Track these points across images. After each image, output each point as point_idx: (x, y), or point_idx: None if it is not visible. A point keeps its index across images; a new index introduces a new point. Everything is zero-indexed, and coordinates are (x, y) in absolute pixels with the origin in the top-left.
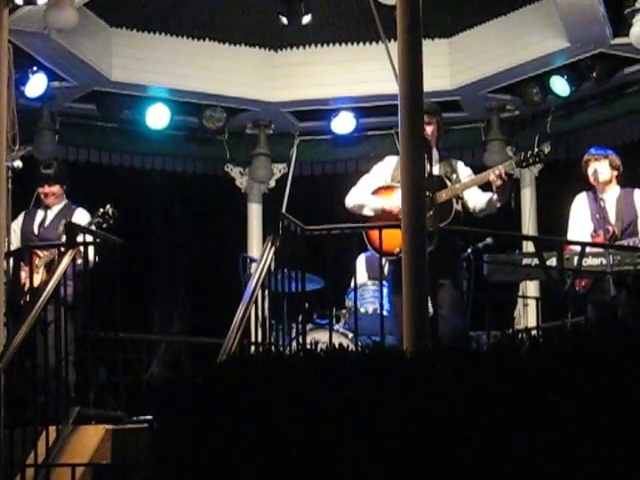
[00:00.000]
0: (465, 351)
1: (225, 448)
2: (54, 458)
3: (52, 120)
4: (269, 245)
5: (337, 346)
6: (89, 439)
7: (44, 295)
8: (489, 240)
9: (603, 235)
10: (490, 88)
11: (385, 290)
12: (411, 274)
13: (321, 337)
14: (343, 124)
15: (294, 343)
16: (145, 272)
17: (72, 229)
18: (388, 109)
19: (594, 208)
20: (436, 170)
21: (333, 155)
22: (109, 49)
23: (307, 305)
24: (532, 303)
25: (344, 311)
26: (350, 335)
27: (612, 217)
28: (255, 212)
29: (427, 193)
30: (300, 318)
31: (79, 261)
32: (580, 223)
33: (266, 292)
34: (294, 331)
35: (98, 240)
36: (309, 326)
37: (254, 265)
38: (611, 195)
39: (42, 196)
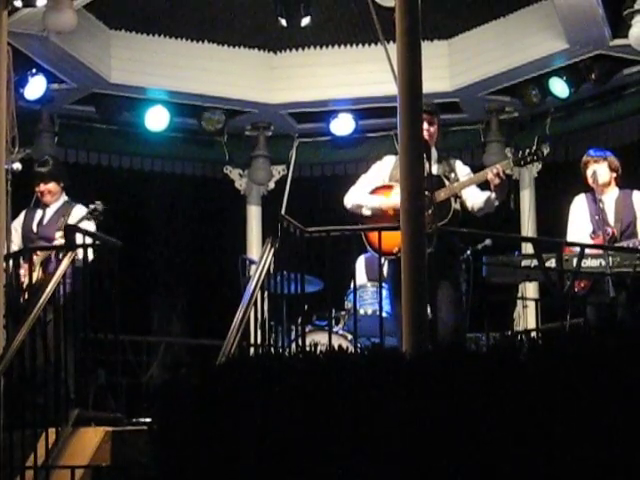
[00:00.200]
0: (464, 352)
1: (224, 450)
2: (54, 460)
3: (51, 122)
4: (268, 247)
5: (336, 348)
6: (89, 441)
7: (43, 297)
8: (488, 241)
9: (602, 236)
10: (489, 89)
11: (385, 292)
12: (410, 275)
13: (320, 339)
14: (342, 126)
15: (293, 345)
16: (144, 274)
17: (71, 231)
18: (387, 111)
19: (593, 209)
20: (435, 169)
21: (332, 157)
22: (108, 51)
23: (306, 307)
24: (531, 304)
25: (343, 313)
26: (349, 337)
27: (611, 218)
28: (254, 214)
29: (426, 192)
30: (299, 320)
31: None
32: (579, 225)
33: (265, 294)
34: (293, 333)
35: (97, 242)
36: (308, 328)
37: (253, 267)
38: (610, 196)
39: (39, 195)
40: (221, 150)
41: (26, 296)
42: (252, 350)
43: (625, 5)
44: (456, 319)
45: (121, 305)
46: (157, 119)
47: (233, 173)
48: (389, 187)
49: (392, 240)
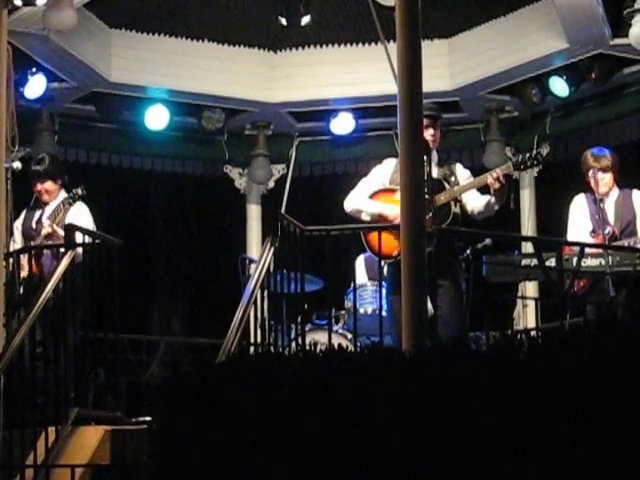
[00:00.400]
0: (464, 352)
1: (224, 449)
2: (53, 459)
3: (51, 121)
4: (268, 246)
5: (336, 347)
6: (88, 440)
7: (43, 295)
8: (488, 241)
9: (602, 235)
10: (489, 89)
11: (384, 291)
12: (410, 275)
13: (320, 338)
14: (342, 125)
15: (293, 344)
16: (144, 273)
17: (71, 230)
18: (387, 110)
19: (593, 209)
20: (435, 173)
21: (332, 156)
22: (108, 50)
23: (306, 306)
24: (531, 304)
25: (343, 312)
26: (349, 336)
27: (611, 218)
28: (254, 213)
29: (426, 196)
30: (299, 319)
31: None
32: (579, 224)
33: (265, 293)
34: (293, 332)
35: (97, 241)
36: (308, 327)
37: (253, 266)
38: (610, 196)
39: (37, 194)
40: (221, 149)
41: (21, 291)
42: (252, 349)
43: (625, 4)
44: (456, 318)
45: (121, 304)
46: (157, 118)
47: (233, 172)
48: (389, 191)
49: (392, 244)
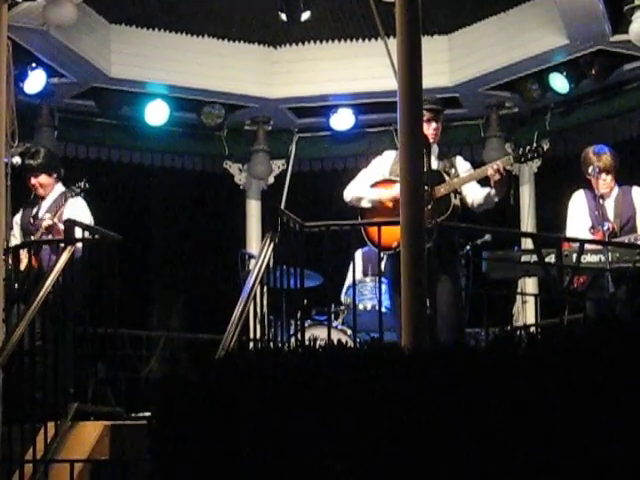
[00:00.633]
0: (463, 347)
1: (224, 444)
2: (53, 454)
3: (51, 116)
4: (268, 241)
5: (336, 342)
6: (88, 435)
7: (43, 291)
8: (488, 237)
9: (602, 232)
10: (489, 85)
11: (384, 286)
12: (410, 270)
13: (319, 333)
14: (342, 120)
15: (293, 339)
16: (144, 268)
17: (70, 225)
18: (387, 106)
19: (592, 205)
20: (435, 166)
21: (332, 151)
22: (108, 45)
23: (306, 301)
24: (531, 300)
25: (342, 307)
26: (349, 331)
27: (611, 214)
28: (254, 208)
29: (425, 188)
30: (299, 314)
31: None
32: (578, 220)
33: (265, 288)
34: (293, 327)
35: (97, 236)
36: (308, 322)
37: (253, 261)
38: (610, 194)
39: (32, 188)
40: (221, 144)
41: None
42: (251, 344)
43: (625, 1)
44: (455, 314)
45: (120, 299)
46: (157, 113)
47: (233, 168)
48: (389, 182)
49: (391, 235)
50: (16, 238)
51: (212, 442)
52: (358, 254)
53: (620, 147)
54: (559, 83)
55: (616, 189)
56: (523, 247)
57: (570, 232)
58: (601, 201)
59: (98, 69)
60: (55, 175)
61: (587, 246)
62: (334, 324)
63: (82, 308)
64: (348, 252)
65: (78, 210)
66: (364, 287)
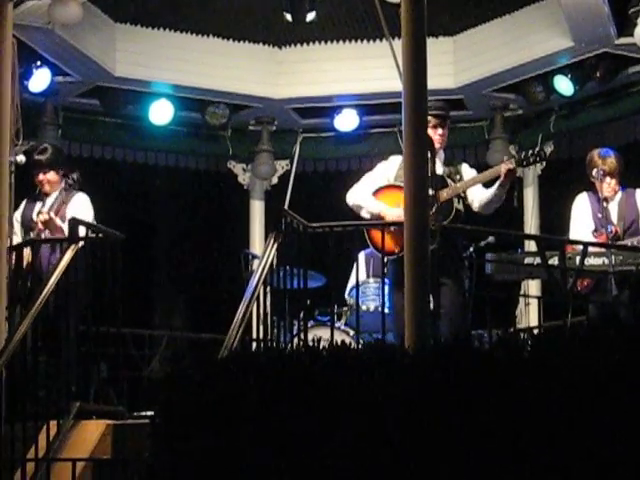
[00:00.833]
0: (466, 349)
1: (225, 443)
2: (55, 453)
3: (55, 115)
4: (271, 242)
5: (339, 343)
6: (90, 434)
7: (46, 289)
8: (491, 239)
9: (605, 235)
10: (494, 87)
11: (386, 288)
12: (413, 273)
13: (322, 334)
14: (346, 121)
15: (295, 340)
16: (147, 267)
17: (74, 224)
18: (392, 107)
19: (596, 208)
20: (441, 171)
21: (336, 152)
22: (113, 44)
23: (309, 302)
24: (534, 302)
25: (345, 308)
26: (351, 332)
27: (614, 217)
28: (257, 209)
29: (429, 192)
30: (302, 315)
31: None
32: (582, 223)
33: (268, 289)
34: (295, 328)
35: (100, 235)
36: (310, 323)
37: (256, 262)
38: (613, 195)
39: (38, 184)
40: (225, 144)
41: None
42: (254, 345)
43: (630, 4)
44: (459, 316)
45: (123, 298)
46: (161, 113)
47: (237, 167)
48: (393, 187)
49: (394, 240)
50: (17, 235)
51: (214, 441)
52: (361, 255)
53: (624, 150)
54: (564, 85)
55: (620, 192)
56: (527, 249)
57: (573, 235)
58: (605, 204)
59: (103, 68)
60: (62, 173)
61: (590, 249)
62: (337, 325)
63: (85, 307)
64: (351, 253)
65: (81, 206)
66: (367, 288)
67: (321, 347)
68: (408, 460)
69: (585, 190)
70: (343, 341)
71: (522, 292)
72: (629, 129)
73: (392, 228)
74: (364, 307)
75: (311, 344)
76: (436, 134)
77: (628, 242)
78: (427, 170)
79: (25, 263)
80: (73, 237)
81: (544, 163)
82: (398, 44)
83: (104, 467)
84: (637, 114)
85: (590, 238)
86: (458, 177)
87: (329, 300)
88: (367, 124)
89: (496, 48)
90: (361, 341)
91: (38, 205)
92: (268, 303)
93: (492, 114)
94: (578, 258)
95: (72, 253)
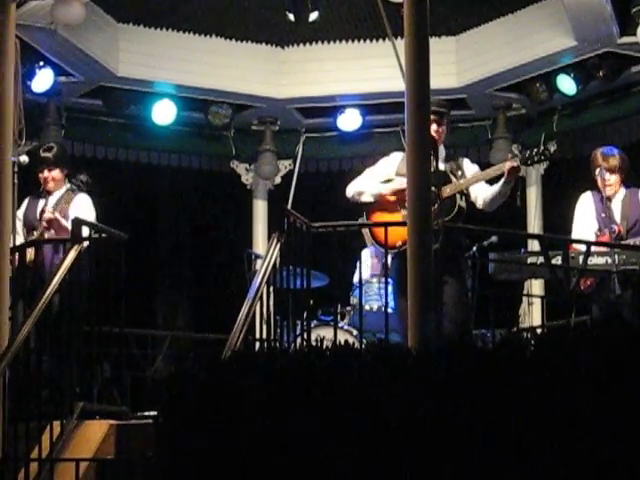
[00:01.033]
0: (470, 349)
1: (229, 443)
2: (58, 453)
3: (58, 115)
4: (274, 242)
5: (342, 343)
6: (93, 434)
7: (49, 289)
8: (494, 238)
9: (608, 234)
10: (497, 86)
11: (390, 287)
12: (416, 272)
13: (326, 334)
14: (349, 121)
15: (299, 340)
16: (150, 267)
17: (78, 224)
18: (394, 106)
19: (599, 207)
20: (442, 167)
21: (339, 152)
22: (116, 44)
23: (312, 302)
24: (537, 302)
25: (349, 308)
26: (355, 332)
27: (617, 216)
28: (260, 208)
29: (432, 189)
30: (305, 315)
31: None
32: (585, 222)
33: (271, 289)
34: (299, 328)
35: (103, 235)
36: (314, 323)
37: (259, 261)
38: (617, 195)
39: (42, 181)
40: (228, 144)
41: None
42: (257, 345)
43: (633, 3)
44: (462, 315)
45: (126, 298)
46: (164, 113)
47: (240, 167)
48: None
49: (396, 234)
50: (19, 234)
51: (217, 441)
52: (365, 253)
53: (628, 149)
54: (567, 85)
55: (623, 191)
56: (530, 249)
57: (577, 234)
58: (608, 203)
59: (106, 68)
60: (66, 172)
61: (594, 248)
62: (340, 325)
63: (88, 307)
64: (355, 253)
65: (83, 207)
66: (370, 288)
67: (324, 347)
68: (411, 460)
69: (589, 189)
70: (346, 341)
71: (525, 292)
72: (632, 128)
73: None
74: (367, 307)
75: (314, 344)
76: (431, 130)
77: (631, 241)
78: (430, 168)
79: (28, 263)
80: (76, 237)
81: (547, 162)
82: (401, 44)
83: (107, 467)
84: None
85: (593, 238)
86: (460, 173)
87: (332, 300)
88: (370, 124)
89: (499, 47)
90: (364, 341)
91: (41, 204)
92: (271, 303)
93: (495, 113)
94: (581, 257)
95: (75, 253)
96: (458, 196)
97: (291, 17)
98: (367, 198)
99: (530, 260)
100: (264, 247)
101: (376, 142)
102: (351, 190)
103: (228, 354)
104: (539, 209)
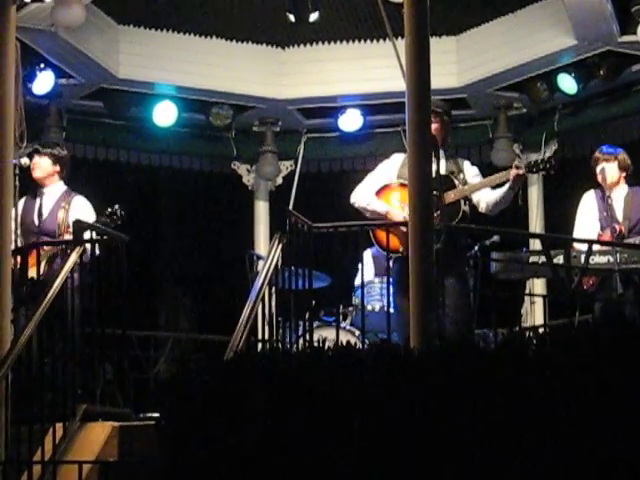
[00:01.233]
0: (472, 349)
1: (231, 444)
2: (61, 455)
3: (59, 117)
4: (276, 242)
5: (344, 344)
6: (96, 436)
7: (51, 292)
8: (496, 238)
9: (610, 233)
10: (497, 86)
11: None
12: (418, 272)
13: (328, 335)
14: (350, 121)
15: (301, 340)
16: (152, 269)
17: (79, 226)
18: (395, 106)
19: (601, 206)
20: (443, 164)
21: (340, 152)
22: (116, 46)
23: (314, 302)
24: (539, 301)
25: (351, 308)
26: (357, 332)
27: (619, 215)
28: (262, 209)
29: (435, 193)
30: (307, 316)
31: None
32: (587, 221)
33: (273, 289)
34: (301, 328)
35: (105, 237)
36: (316, 324)
37: (261, 262)
38: (619, 193)
39: (31, 169)
40: (229, 145)
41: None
42: (260, 345)
43: (633, 1)
44: (464, 315)
45: (129, 300)
46: (165, 114)
47: (241, 168)
48: (396, 186)
49: (399, 241)
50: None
51: (220, 442)
52: (367, 254)
53: (629, 148)
54: (567, 84)
55: (626, 188)
56: (531, 248)
57: (579, 233)
58: (610, 201)
59: (106, 70)
60: (59, 168)
61: (595, 247)
62: (342, 325)
63: (90, 309)
64: (356, 253)
65: (82, 209)
66: (372, 288)
67: (326, 347)
68: (413, 460)
69: (591, 188)
70: (348, 341)
71: (527, 291)
72: (633, 127)
73: (401, 228)
74: (369, 307)
75: (316, 345)
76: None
77: (632, 240)
78: (431, 170)
79: (30, 266)
80: (78, 239)
81: (553, 172)
82: (401, 44)
83: (110, 469)
84: None
85: (595, 237)
86: (462, 176)
87: (334, 300)
88: (371, 124)
89: (499, 47)
90: (366, 341)
91: (37, 205)
92: (273, 304)
93: (496, 113)
94: (583, 256)
95: (77, 255)
96: (462, 201)
97: (291, 18)
98: (371, 216)
99: (532, 259)
100: (266, 248)
101: (377, 142)
102: (355, 201)
103: (230, 355)
104: (541, 208)
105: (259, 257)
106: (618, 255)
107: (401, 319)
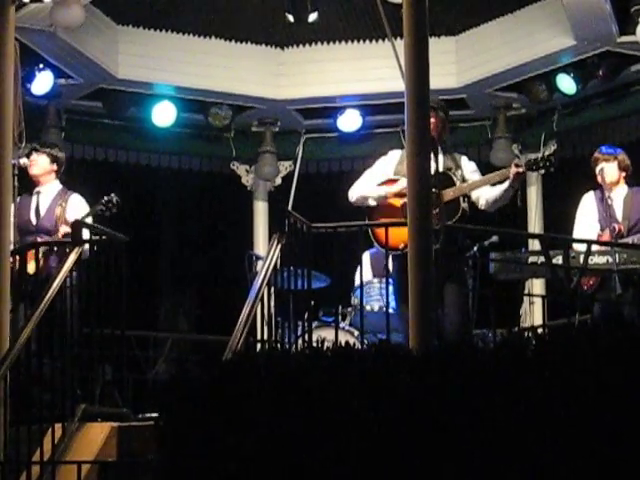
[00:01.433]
0: (470, 349)
1: (230, 445)
2: (60, 455)
3: (58, 117)
4: (275, 243)
5: (343, 344)
6: (95, 436)
7: (50, 292)
8: (495, 238)
9: (609, 233)
10: (496, 86)
11: (391, 287)
12: (417, 272)
13: (327, 335)
14: (349, 122)
15: (300, 341)
16: (151, 269)
17: (78, 226)
18: (394, 107)
19: (601, 206)
20: (441, 160)
21: (339, 153)
22: (115, 46)
23: (313, 303)
24: (538, 301)
25: (350, 309)
26: (356, 333)
27: (619, 215)
28: (261, 210)
29: (433, 190)
30: (306, 316)
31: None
32: (587, 222)
33: (272, 290)
34: (300, 329)
35: (104, 237)
36: (315, 324)
37: (260, 263)
38: (618, 194)
39: (28, 167)
40: (228, 146)
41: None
42: (259, 346)
43: (632, 2)
44: (462, 315)
45: (128, 300)
46: (164, 115)
47: (240, 169)
48: (394, 181)
49: (398, 235)
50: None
51: (219, 443)
52: (366, 255)
53: (628, 148)
54: (566, 84)
55: (625, 189)
56: (530, 248)
57: (578, 233)
58: (609, 201)
59: (105, 70)
60: (56, 167)
61: (595, 247)
62: (341, 325)
63: (89, 309)
64: (355, 253)
65: (81, 208)
66: (371, 288)
67: (325, 348)
68: (413, 460)
69: (591, 189)
70: (347, 342)
71: (526, 291)
72: (632, 127)
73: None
74: (368, 307)
75: (315, 345)
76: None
77: (631, 240)
78: (430, 170)
79: (28, 266)
80: (76, 239)
81: (552, 169)
82: (400, 44)
83: (109, 469)
84: None
85: (595, 237)
86: (460, 172)
87: (333, 300)
88: (370, 124)
89: (498, 47)
90: (365, 341)
91: (33, 204)
92: (272, 304)
93: (495, 113)
94: (582, 257)
95: (76, 255)
96: (461, 198)
97: (290, 18)
98: (371, 202)
99: (531, 260)
100: (265, 248)
101: (376, 143)
102: (354, 195)
103: (229, 356)
104: (539, 208)
105: (258, 257)
106: (617, 255)
107: (403, 318)
